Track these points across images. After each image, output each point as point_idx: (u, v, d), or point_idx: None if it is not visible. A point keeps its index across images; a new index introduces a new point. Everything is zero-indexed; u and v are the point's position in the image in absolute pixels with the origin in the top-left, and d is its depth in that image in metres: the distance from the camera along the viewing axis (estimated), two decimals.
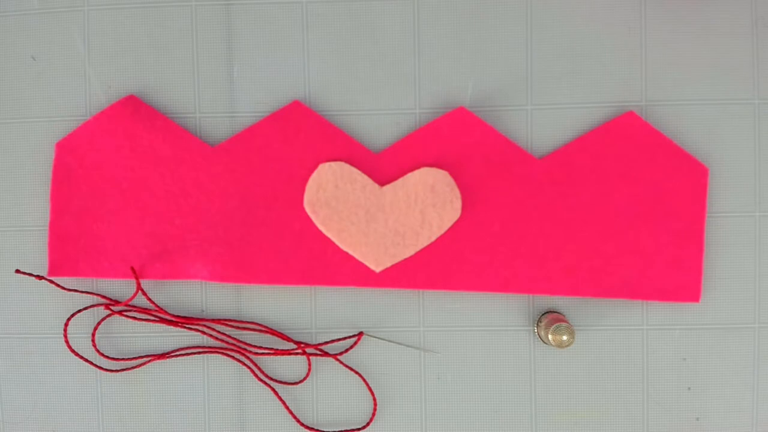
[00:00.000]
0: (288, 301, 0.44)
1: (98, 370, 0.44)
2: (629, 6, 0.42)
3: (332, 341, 0.43)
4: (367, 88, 0.43)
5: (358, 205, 0.42)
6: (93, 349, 0.44)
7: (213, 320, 0.43)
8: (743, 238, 0.42)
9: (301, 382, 0.44)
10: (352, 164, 0.42)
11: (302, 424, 0.43)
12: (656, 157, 0.42)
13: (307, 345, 0.43)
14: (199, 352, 0.43)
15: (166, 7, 0.43)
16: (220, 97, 0.43)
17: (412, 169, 0.42)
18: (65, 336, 0.43)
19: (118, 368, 0.44)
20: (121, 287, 0.44)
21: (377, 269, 0.42)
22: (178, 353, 0.43)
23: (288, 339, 0.43)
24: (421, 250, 0.42)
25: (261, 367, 0.44)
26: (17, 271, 0.42)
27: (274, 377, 0.44)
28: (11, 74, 0.44)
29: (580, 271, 0.42)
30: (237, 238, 0.42)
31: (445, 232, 0.42)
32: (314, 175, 0.42)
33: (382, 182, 0.42)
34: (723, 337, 0.43)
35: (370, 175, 0.42)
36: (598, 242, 0.42)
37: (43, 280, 0.43)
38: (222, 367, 0.44)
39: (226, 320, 0.43)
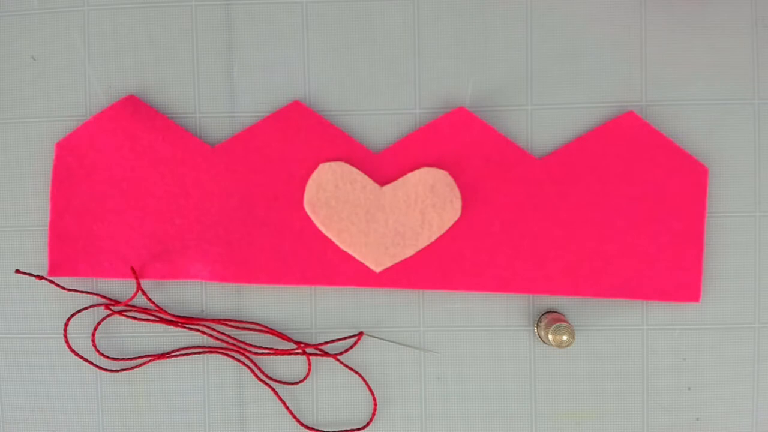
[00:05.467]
0: (288, 301, 0.44)
1: (98, 370, 0.44)
2: (629, 6, 0.42)
3: (332, 341, 0.43)
4: (367, 88, 0.43)
5: (358, 205, 0.42)
6: (93, 349, 0.44)
7: (213, 320, 0.43)
8: (743, 238, 0.42)
9: (301, 382, 0.44)
10: (352, 164, 0.42)
11: (302, 424, 0.43)
12: (656, 157, 0.42)
13: (307, 345, 0.43)
14: (199, 352, 0.43)
15: (166, 7, 0.43)
16: (220, 97, 0.43)
17: (412, 169, 0.42)
18: (65, 336, 0.43)
19: (118, 368, 0.44)
20: (121, 287, 0.44)
21: (377, 269, 0.42)
22: (178, 353, 0.43)
23: (288, 339, 0.43)
24: (421, 250, 0.42)
25: (261, 367, 0.44)
26: (17, 271, 0.42)
27: (274, 377, 0.44)
28: (11, 74, 0.44)
29: (580, 271, 0.42)
30: (237, 238, 0.42)
31: (445, 232, 0.42)
32: (314, 175, 0.42)
33: (382, 182, 0.42)
34: (723, 337, 0.43)
35: (370, 175, 0.42)
36: (598, 242, 0.42)
37: (43, 280, 0.43)
38: (222, 367, 0.44)
39: (226, 320, 0.43)
